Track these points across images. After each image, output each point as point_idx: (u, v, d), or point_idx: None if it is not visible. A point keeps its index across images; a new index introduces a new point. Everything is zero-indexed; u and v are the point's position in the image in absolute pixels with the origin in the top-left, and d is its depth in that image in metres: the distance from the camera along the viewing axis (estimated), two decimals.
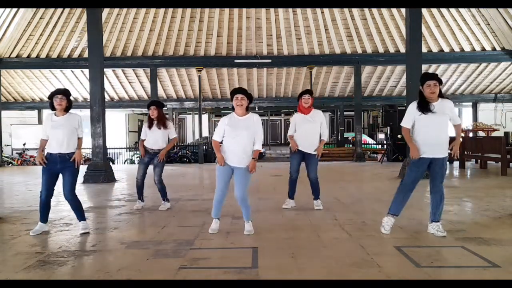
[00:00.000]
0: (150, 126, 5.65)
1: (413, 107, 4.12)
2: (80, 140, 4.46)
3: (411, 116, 4.12)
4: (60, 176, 4.36)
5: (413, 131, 4.17)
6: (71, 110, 4.46)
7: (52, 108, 4.37)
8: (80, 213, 4.41)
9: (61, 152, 4.25)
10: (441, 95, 4.08)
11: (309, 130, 5.31)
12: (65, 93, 4.37)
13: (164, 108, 6.14)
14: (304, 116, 5.35)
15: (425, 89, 4.03)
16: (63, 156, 4.26)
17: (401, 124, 4.24)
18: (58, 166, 4.27)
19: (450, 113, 4.08)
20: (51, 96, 4.35)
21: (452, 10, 13.94)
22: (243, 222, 4.31)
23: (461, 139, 3.94)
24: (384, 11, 14.13)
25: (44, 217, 4.41)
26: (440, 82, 4.02)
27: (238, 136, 4.07)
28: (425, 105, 4.02)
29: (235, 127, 4.08)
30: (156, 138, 5.65)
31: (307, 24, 14.56)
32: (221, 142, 4.18)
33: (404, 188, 4.21)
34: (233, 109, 4.24)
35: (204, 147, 15.80)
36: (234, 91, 4.18)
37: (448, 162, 4.49)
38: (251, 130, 4.11)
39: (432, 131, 4.03)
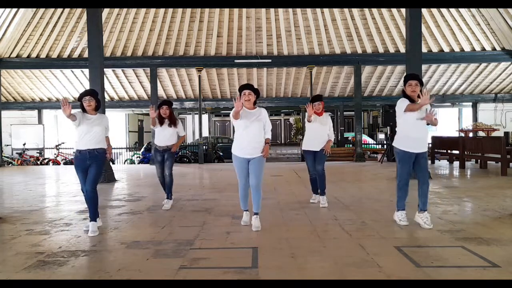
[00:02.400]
0: (161, 124, 5.86)
1: (404, 100, 4.41)
2: (107, 138, 4.78)
3: (406, 103, 4.36)
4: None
5: (399, 126, 4.54)
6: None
7: (83, 109, 4.55)
8: (94, 210, 4.44)
9: (90, 148, 4.46)
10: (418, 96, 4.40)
11: (319, 131, 5.87)
12: (92, 93, 4.59)
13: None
14: (317, 117, 5.88)
15: (407, 88, 4.43)
16: (92, 152, 4.48)
17: (404, 109, 4.36)
18: (87, 162, 4.47)
19: (429, 111, 4.40)
20: (80, 98, 4.55)
21: (452, 10, 13.94)
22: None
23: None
24: (384, 11, 14.13)
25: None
26: (421, 83, 4.44)
27: (249, 127, 4.41)
28: (412, 103, 4.36)
29: (247, 118, 4.41)
30: (166, 136, 5.89)
31: (307, 24, 14.56)
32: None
33: (401, 184, 4.56)
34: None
35: (204, 147, 15.81)
36: (242, 87, 4.51)
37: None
38: (261, 122, 4.47)
39: (417, 128, 4.41)
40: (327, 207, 5.67)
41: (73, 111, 4.35)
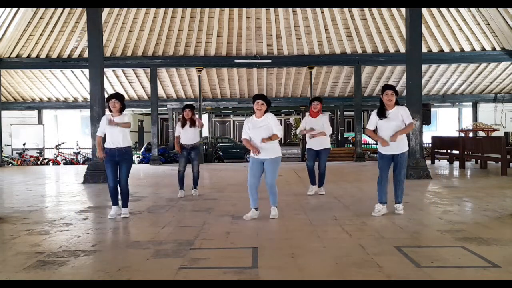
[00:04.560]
0: (183, 126, 6.69)
1: (374, 114, 5.07)
2: (128, 122, 5.20)
3: (374, 121, 5.04)
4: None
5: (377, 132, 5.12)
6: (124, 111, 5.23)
7: (109, 110, 5.15)
8: (127, 201, 5.20)
9: (118, 146, 5.03)
10: (397, 103, 4.97)
11: (317, 131, 6.47)
12: (117, 97, 5.14)
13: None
14: (312, 119, 6.55)
15: (383, 97, 4.95)
16: (121, 150, 5.05)
17: (366, 127, 5.19)
18: (116, 159, 5.06)
19: (403, 117, 4.91)
20: (107, 100, 5.13)
21: (452, 10, 13.93)
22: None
23: (406, 132, 4.98)
24: (384, 11, 14.12)
25: (116, 201, 5.20)
26: (396, 93, 4.95)
27: (257, 135, 4.84)
28: (383, 112, 4.94)
29: (255, 127, 4.87)
30: (189, 136, 6.71)
31: (307, 24, 14.55)
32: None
33: (380, 179, 5.08)
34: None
35: (204, 147, 15.80)
36: (256, 97, 4.93)
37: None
38: (268, 126, 4.85)
39: (389, 133, 4.89)
40: (328, 207, 5.68)
41: (98, 130, 5.21)
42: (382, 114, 4.95)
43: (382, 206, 5.04)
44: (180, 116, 6.92)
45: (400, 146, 4.96)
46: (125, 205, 5.20)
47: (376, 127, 5.06)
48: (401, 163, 4.99)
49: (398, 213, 5.01)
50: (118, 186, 5.13)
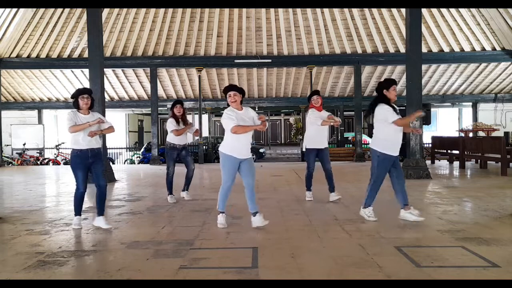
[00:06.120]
0: (177, 123, 6.10)
1: (387, 106, 4.61)
2: (111, 127, 4.74)
3: (392, 112, 4.57)
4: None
5: (383, 131, 4.64)
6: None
7: (77, 107, 4.56)
8: (103, 207, 4.65)
9: (91, 147, 4.54)
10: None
11: (321, 129, 6.03)
12: (90, 92, 4.62)
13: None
14: (319, 112, 6.03)
15: (391, 92, 4.61)
16: (93, 151, 4.57)
17: (392, 121, 4.56)
18: (89, 161, 4.55)
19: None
20: (75, 96, 4.53)
21: (452, 10, 13.93)
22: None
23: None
24: (384, 11, 14.13)
25: (80, 209, 4.66)
26: None
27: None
28: (394, 108, 4.60)
29: (241, 120, 4.35)
30: (182, 135, 6.18)
31: (307, 24, 14.56)
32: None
33: (377, 185, 4.73)
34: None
35: (204, 147, 15.79)
36: (227, 89, 4.46)
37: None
38: (252, 121, 4.45)
39: (400, 132, 4.65)
40: (327, 207, 5.68)
41: (70, 122, 4.45)
42: (396, 111, 4.63)
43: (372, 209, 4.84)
44: (169, 114, 6.28)
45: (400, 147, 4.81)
46: (101, 212, 4.60)
47: (376, 126, 4.74)
48: (399, 163, 4.82)
49: (417, 218, 4.61)
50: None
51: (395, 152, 4.65)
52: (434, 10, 13.94)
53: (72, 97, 4.57)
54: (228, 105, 4.47)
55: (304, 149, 6.32)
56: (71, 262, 3.42)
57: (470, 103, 18.33)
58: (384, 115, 4.60)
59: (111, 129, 4.74)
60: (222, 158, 4.47)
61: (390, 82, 4.68)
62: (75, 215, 4.63)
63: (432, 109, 19.26)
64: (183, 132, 6.13)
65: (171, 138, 6.18)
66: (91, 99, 4.58)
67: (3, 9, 12.66)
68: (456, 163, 11.93)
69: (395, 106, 4.66)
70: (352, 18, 14.39)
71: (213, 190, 7.62)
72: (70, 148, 4.62)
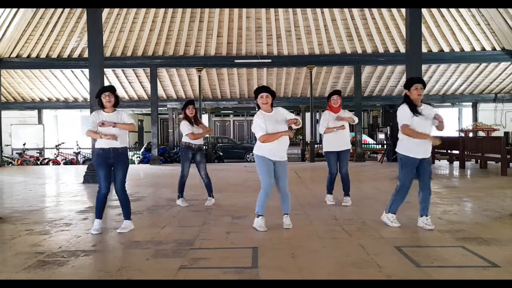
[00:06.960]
0: (191, 124, 5.87)
1: (405, 108, 4.30)
2: (132, 124, 4.51)
3: (409, 116, 4.26)
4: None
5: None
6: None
7: (101, 106, 4.42)
8: (128, 211, 4.52)
9: (113, 147, 4.36)
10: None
11: (341, 131, 5.75)
12: (112, 90, 4.45)
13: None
14: (334, 115, 5.78)
15: (412, 92, 4.27)
16: (116, 151, 4.38)
17: (403, 123, 4.29)
18: (111, 161, 4.38)
19: (431, 118, 4.32)
20: (98, 95, 4.40)
21: (452, 10, 13.93)
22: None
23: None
24: (384, 11, 14.13)
25: (101, 213, 4.47)
26: (424, 86, 4.35)
27: (277, 130, 4.28)
28: (415, 107, 4.27)
29: (272, 123, 4.28)
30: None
31: (307, 24, 14.56)
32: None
33: (404, 190, 4.40)
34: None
35: (204, 147, 15.78)
36: (259, 90, 4.38)
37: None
38: (284, 122, 4.36)
39: (426, 132, 4.26)
40: (327, 207, 5.68)
41: (90, 124, 4.38)
42: (416, 111, 4.24)
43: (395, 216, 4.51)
44: (181, 115, 5.89)
45: (430, 148, 4.35)
46: (127, 216, 4.51)
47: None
48: (430, 168, 4.40)
49: (429, 227, 4.29)
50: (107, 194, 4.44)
51: (419, 154, 4.26)
52: (434, 10, 13.94)
53: (96, 97, 4.44)
54: (258, 106, 4.39)
55: (323, 152, 6.07)
56: (71, 262, 3.42)
57: (470, 103, 18.32)
58: (399, 116, 4.36)
59: (130, 126, 4.48)
60: (256, 160, 4.45)
61: (410, 81, 4.36)
62: (96, 217, 4.44)
63: None
64: (200, 137, 5.97)
65: (186, 138, 5.93)
66: (114, 96, 4.41)
67: (3, 9, 12.65)
68: (456, 163, 11.93)
69: (419, 107, 4.29)
70: (352, 18, 14.39)
71: (214, 190, 7.60)
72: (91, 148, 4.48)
